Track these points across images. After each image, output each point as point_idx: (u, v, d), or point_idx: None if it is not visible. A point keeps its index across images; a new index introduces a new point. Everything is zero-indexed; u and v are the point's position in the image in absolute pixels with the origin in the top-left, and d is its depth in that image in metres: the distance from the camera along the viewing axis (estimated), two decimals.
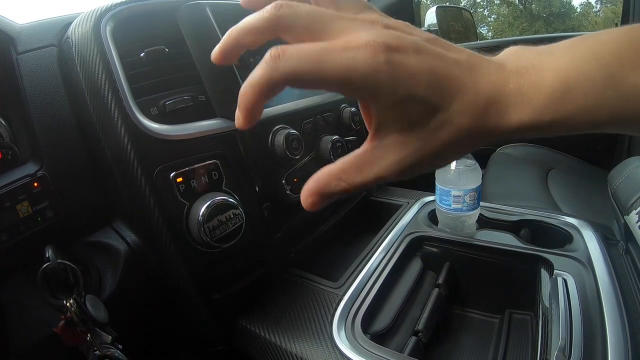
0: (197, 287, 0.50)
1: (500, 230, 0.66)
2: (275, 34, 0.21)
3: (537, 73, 0.20)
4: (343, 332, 0.48)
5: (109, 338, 0.42)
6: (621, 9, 1.40)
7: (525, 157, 1.28)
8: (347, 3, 0.22)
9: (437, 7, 1.85)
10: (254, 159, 0.54)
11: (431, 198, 0.79)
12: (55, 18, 0.53)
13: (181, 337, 0.57)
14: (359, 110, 0.74)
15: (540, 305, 0.51)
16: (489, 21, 14.77)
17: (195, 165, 0.48)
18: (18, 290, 0.43)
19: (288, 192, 0.58)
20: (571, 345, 0.43)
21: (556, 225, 0.68)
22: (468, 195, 0.65)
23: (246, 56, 0.59)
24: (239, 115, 0.21)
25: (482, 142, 0.21)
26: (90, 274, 0.47)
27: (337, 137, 0.65)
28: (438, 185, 0.68)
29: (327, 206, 0.20)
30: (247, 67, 0.58)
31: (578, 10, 14.39)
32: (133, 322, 0.51)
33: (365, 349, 0.46)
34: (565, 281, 0.52)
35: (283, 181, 0.57)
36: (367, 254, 0.63)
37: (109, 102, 0.44)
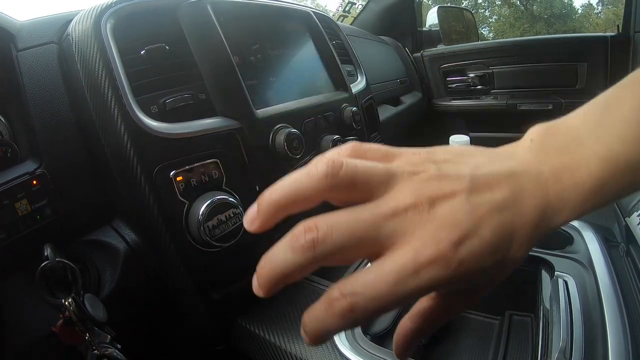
0: (197, 286, 0.50)
1: None
2: (327, 197, 0.20)
3: (572, 175, 0.21)
4: (343, 333, 0.48)
5: (107, 337, 0.41)
6: (622, 10, 1.40)
7: None
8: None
9: (438, 8, 1.84)
10: (254, 158, 0.54)
11: None
12: (56, 15, 0.53)
13: (180, 337, 0.57)
14: (359, 110, 0.74)
15: (541, 307, 0.51)
16: (490, 22, 14.77)
17: (196, 164, 0.47)
18: (16, 288, 0.43)
19: None
20: (572, 347, 0.43)
21: None
22: None
23: (247, 55, 0.59)
24: (257, 289, 0.20)
25: None
26: (89, 273, 0.47)
27: (337, 136, 0.64)
28: None
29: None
30: (248, 66, 0.58)
31: (579, 11, 14.40)
32: (132, 321, 0.51)
33: (365, 349, 0.45)
34: (566, 283, 0.52)
35: None
36: None
37: (109, 99, 0.44)
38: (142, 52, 0.48)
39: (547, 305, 0.50)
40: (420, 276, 0.18)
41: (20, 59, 0.46)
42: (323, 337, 0.19)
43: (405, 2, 1.73)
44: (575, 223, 0.67)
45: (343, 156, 0.21)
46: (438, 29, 1.81)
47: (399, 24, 1.74)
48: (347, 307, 0.17)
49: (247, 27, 0.60)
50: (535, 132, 0.24)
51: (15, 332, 0.41)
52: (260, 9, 0.64)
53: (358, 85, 0.83)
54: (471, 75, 1.63)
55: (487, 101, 1.61)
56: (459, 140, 0.70)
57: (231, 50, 0.53)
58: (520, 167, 0.21)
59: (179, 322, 0.54)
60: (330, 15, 0.93)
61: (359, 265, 0.55)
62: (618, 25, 1.40)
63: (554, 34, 10.26)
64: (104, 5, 0.47)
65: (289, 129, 0.56)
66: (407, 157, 0.21)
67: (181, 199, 0.46)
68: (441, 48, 1.75)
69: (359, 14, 1.80)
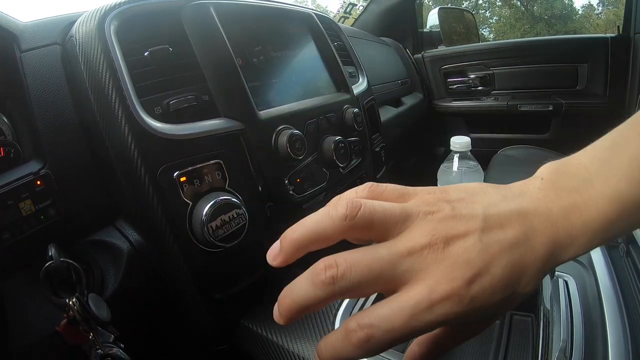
0: (200, 286, 0.50)
1: None
2: (345, 236, 0.21)
3: (581, 214, 0.22)
4: None
5: (111, 337, 0.42)
6: (623, 11, 1.40)
7: (526, 158, 1.28)
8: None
9: (439, 9, 1.85)
10: (257, 159, 0.54)
11: None
12: (59, 16, 0.53)
13: (183, 337, 0.57)
14: (361, 111, 0.74)
15: (541, 307, 0.51)
16: (491, 23, 14.76)
17: (199, 165, 0.48)
18: (20, 288, 0.43)
19: (291, 192, 0.58)
20: (572, 347, 0.43)
21: None
22: None
23: (250, 56, 0.59)
24: (278, 318, 0.21)
25: None
26: (93, 273, 0.47)
27: (339, 137, 0.65)
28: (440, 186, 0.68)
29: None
30: (250, 67, 0.58)
31: (580, 12, 14.39)
32: (135, 321, 0.51)
33: None
34: (566, 283, 0.52)
35: (286, 181, 0.57)
36: None
37: (113, 101, 0.44)
38: (145, 54, 0.48)
39: (548, 305, 0.50)
40: (433, 312, 0.19)
41: (24, 60, 0.46)
42: None
43: (406, 3, 1.73)
44: None
45: (360, 197, 0.22)
46: (439, 30, 1.81)
47: (399, 25, 1.74)
48: (364, 338, 0.19)
49: (249, 28, 0.61)
50: (545, 171, 0.25)
51: (19, 331, 0.41)
52: (262, 10, 0.65)
53: (359, 86, 0.84)
54: (472, 76, 1.63)
55: (487, 102, 1.61)
56: (459, 141, 0.70)
57: (234, 51, 0.53)
58: (531, 206, 0.22)
59: (181, 321, 0.55)
60: (331, 16, 0.93)
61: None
62: (618, 26, 1.40)
63: (555, 35, 10.27)
64: (108, 7, 0.47)
65: (292, 130, 0.56)
66: (422, 197, 0.22)
67: (185, 199, 0.46)
68: (442, 49, 1.76)
69: (360, 15, 1.80)
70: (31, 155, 0.45)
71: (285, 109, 0.59)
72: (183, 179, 0.46)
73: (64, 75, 0.48)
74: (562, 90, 1.49)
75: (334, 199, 0.22)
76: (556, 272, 0.54)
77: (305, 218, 0.21)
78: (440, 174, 0.73)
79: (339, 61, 0.76)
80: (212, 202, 0.46)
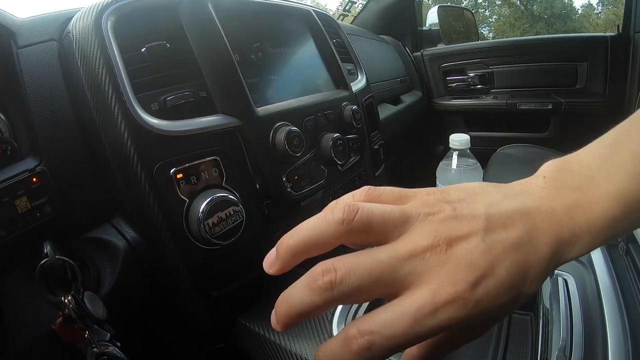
0: (196, 284, 0.50)
1: None
2: (343, 241, 0.21)
3: (584, 213, 0.21)
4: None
5: (107, 335, 0.41)
6: (622, 10, 1.40)
7: (525, 156, 1.28)
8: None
9: (438, 7, 1.85)
10: (254, 156, 0.54)
11: None
12: (56, 12, 0.53)
13: (180, 335, 0.57)
14: (359, 109, 0.74)
15: (541, 305, 0.51)
16: (490, 22, 14.76)
17: (196, 162, 0.47)
18: (16, 286, 0.43)
19: (289, 189, 0.58)
20: (572, 346, 0.43)
21: None
22: None
23: (248, 53, 0.59)
24: (275, 325, 0.20)
25: None
26: (89, 271, 0.47)
27: (338, 135, 0.64)
28: (439, 185, 0.68)
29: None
30: (249, 64, 0.58)
31: (579, 11, 14.40)
32: (131, 319, 0.51)
33: None
34: (565, 281, 0.52)
35: (284, 178, 0.57)
36: None
37: (109, 97, 0.44)
38: (142, 50, 0.48)
39: (547, 304, 0.50)
40: (437, 316, 0.18)
41: (21, 56, 0.46)
42: None
43: (406, 1, 1.73)
44: None
45: (357, 201, 0.21)
46: (438, 28, 1.81)
47: (399, 23, 1.74)
48: (365, 346, 0.18)
49: (247, 25, 0.60)
50: (547, 169, 0.24)
51: (14, 329, 0.41)
52: (261, 7, 0.64)
53: (358, 83, 0.83)
54: (471, 74, 1.63)
55: (487, 100, 1.61)
56: (459, 139, 0.70)
57: (232, 48, 0.53)
58: (533, 205, 0.22)
59: (178, 319, 0.54)
60: (331, 14, 0.93)
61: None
62: (618, 25, 1.40)
63: (554, 34, 10.27)
64: (105, 3, 0.47)
65: (290, 127, 0.56)
66: (421, 198, 0.22)
67: (181, 196, 0.46)
68: (441, 47, 1.75)
69: (359, 12, 1.80)
70: (27, 152, 0.45)
71: (283, 106, 0.59)
72: (180, 175, 0.46)
73: (60, 71, 0.48)
74: (561, 89, 1.49)
75: (331, 203, 0.22)
76: (555, 271, 0.54)
77: (302, 224, 0.21)
78: (439, 172, 0.73)
79: (338, 58, 0.76)
80: (209, 199, 0.46)
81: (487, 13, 14.76)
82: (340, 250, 0.21)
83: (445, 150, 0.73)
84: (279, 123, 0.56)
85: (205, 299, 0.51)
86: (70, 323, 0.40)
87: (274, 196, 0.57)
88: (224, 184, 0.50)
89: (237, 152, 0.52)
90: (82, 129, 0.48)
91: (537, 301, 0.53)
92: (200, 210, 0.45)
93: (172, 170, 0.45)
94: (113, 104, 0.44)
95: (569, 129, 1.48)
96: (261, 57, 0.61)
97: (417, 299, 0.18)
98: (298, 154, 0.56)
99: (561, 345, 0.43)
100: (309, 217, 0.20)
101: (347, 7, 1.93)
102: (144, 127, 0.44)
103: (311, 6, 0.81)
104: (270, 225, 0.57)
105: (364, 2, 1.78)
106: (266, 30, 0.64)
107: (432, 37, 1.83)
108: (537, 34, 11.43)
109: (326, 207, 0.22)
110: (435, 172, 0.75)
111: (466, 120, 1.71)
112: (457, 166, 0.68)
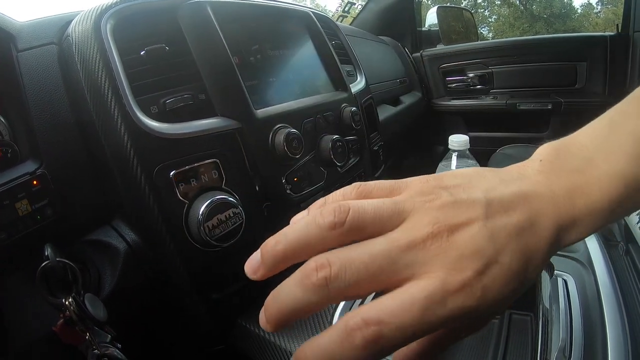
0: (196, 286, 0.50)
1: None
2: (335, 244, 0.19)
3: (584, 195, 0.21)
4: None
5: (107, 337, 0.41)
6: (622, 10, 1.40)
7: (525, 157, 1.25)
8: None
9: (438, 7, 1.85)
10: (254, 158, 0.54)
11: None
12: (56, 16, 0.53)
13: (180, 337, 0.57)
14: (359, 110, 0.74)
15: (541, 306, 0.51)
16: (490, 22, 14.76)
17: (195, 164, 0.47)
18: (17, 288, 0.43)
19: (288, 191, 0.58)
20: (571, 346, 0.43)
21: None
22: None
23: (247, 55, 0.59)
24: (265, 324, 0.19)
25: None
26: (89, 273, 0.47)
27: (337, 136, 0.65)
28: None
29: None
30: (247, 66, 0.58)
31: (579, 11, 14.39)
32: (132, 321, 0.51)
33: None
34: (565, 282, 0.52)
35: (283, 180, 0.57)
36: None
37: (109, 100, 0.44)
38: (142, 53, 0.48)
39: (547, 304, 0.50)
40: (447, 305, 0.17)
41: (21, 59, 0.46)
42: None
43: (405, 2, 1.73)
44: None
45: (348, 199, 0.21)
46: (437, 28, 1.82)
47: (398, 23, 1.74)
48: (372, 338, 0.16)
49: (246, 27, 0.61)
50: (544, 152, 0.24)
51: (15, 331, 0.41)
52: (259, 9, 0.64)
53: (357, 85, 0.83)
54: (471, 75, 1.63)
55: (486, 101, 1.61)
56: (458, 140, 0.70)
57: (231, 50, 0.53)
58: (532, 188, 0.21)
59: (178, 321, 0.54)
60: (330, 15, 0.93)
61: None
62: (617, 25, 1.40)
63: (554, 33, 10.27)
64: (104, 6, 0.47)
65: (289, 128, 0.56)
66: (415, 187, 0.21)
67: (181, 198, 0.46)
68: (440, 48, 1.75)
69: (358, 14, 1.80)
70: (28, 155, 0.45)
71: (283, 108, 0.59)
72: (179, 178, 0.46)
73: (60, 74, 0.48)
74: (561, 89, 1.49)
75: (318, 201, 0.21)
76: (555, 271, 0.54)
77: (289, 227, 0.20)
78: (438, 173, 0.73)
79: (337, 60, 0.76)
80: (209, 201, 0.46)
81: (486, 13, 14.77)
82: None
83: (445, 151, 0.73)
84: (278, 125, 0.56)
85: (205, 301, 0.51)
86: (71, 325, 0.40)
87: (274, 198, 0.57)
88: (223, 186, 0.50)
89: (236, 154, 0.52)
90: (82, 131, 0.48)
91: (537, 301, 0.53)
92: (200, 212, 0.45)
93: (171, 173, 0.46)
94: (113, 107, 0.44)
95: (568, 129, 1.46)
96: (260, 60, 0.61)
97: (426, 286, 0.17)
98: (297, 156, 0.56)
99: (561, 345, 0.43)
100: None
101: (346, 8, 1.93)
102: (144, 130, 0.44)
103: (310, 8, 0.81)
104: (270, 227, 0.58)
105: (363, 3, 1.78)
106: (265, 32, 0.64)
107: (431, 38, 1.83)
108: (536, 34, 11.43)
109: (314, 204, 0.20)
110: (434, 172, 0.75)
111: (466, 121, 1.71)
112: (457, 167, 0.68)
